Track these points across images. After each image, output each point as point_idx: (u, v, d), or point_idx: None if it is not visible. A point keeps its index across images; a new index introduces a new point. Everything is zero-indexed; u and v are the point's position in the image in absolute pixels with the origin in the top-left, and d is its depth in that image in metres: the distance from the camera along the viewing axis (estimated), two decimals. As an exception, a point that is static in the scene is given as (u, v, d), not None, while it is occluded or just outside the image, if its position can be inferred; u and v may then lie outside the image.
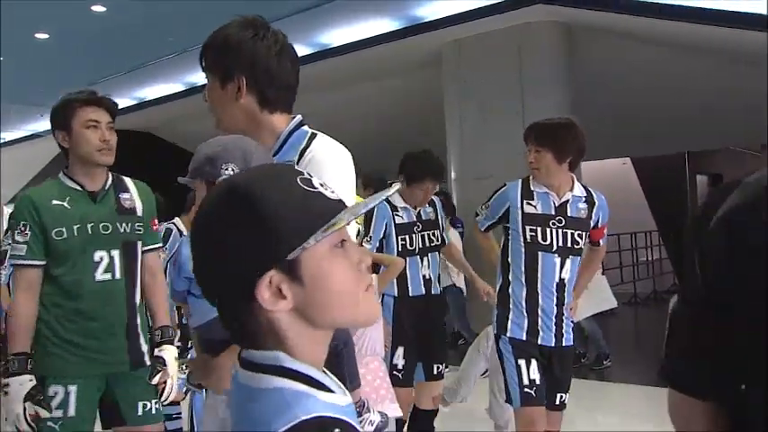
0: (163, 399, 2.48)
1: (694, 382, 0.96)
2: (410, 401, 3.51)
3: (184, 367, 2.44)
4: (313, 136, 1.55)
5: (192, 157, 1.51)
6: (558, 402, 3.00)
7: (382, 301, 3.45)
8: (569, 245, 2.92)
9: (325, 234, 0.78)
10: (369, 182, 4.33)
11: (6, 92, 9.03)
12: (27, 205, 2.36)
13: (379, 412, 2.33)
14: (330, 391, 0.80)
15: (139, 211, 2.53)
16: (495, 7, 6.91)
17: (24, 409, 2.21)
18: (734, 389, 0.90)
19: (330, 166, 1.48)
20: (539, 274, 2.91)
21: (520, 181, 3.00)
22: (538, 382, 2.89)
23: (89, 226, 2.38)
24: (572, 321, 3.04)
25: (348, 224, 0.82)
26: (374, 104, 9.56)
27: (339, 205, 0.82)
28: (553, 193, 2.94)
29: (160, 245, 2.75)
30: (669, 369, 1.01)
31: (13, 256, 2.36)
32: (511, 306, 2.97)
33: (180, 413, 3.69)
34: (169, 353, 2.51)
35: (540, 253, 2.91)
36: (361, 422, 2.09)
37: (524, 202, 2.95)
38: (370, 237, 3.43)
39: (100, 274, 2.40)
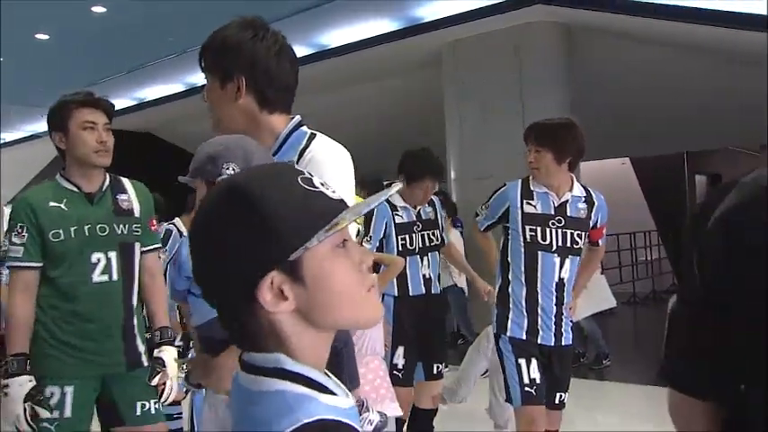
0: (162, 400, 2.48)
1: (694, 382, 0.96)
2: (410, 401, 3.51)
3: (185, 367, 2.44)
4: (312, 136, 1.55)
5: (192, 157, 1.51)
6: (557, 402, 3.01)
7: (382, 301, 3.45)
8: (569, 245, 2.93)
9: (328, 234, 0.77)
10: (364, 183, 4.33)
11: (6, 92, 9.03)
12: (24, 207, 2.36)
13: (378, 412, 2.33)
14: (332, 393, 0.79)
15: (137, 212, 2.53)
16: (495, 8, 6.91)
17: (25, 410, 2.21)
18: (733, 389, 0.90)
19: (330, 167, 1.48)
20: (538, 274, 2.92)
21: (520, 181, 3.01)
22: (538, 381, 2.89)
23: (86, 228, 2.38)
24: (571, 321, 3.04)
25: (350, 224, 0.82)
26: (374, 105, 9.56)
27: (341, 205, 0.81)
28: (553, 193, 2.95)
29: (159, 245, 2.75)
30: (669, 369, 1.01)
31: (10, 258, 2.36)
32: (511, 305, 2.97)
33: (181, 413, 3.68)
34: (168, 354, 2.51)
35: (539, 253, 2.91)
36: (360, 422, 2.10)
37: (524, 201, 2.95)
38: (370, 236, 3.43)
39: (97, 276, 2.40)
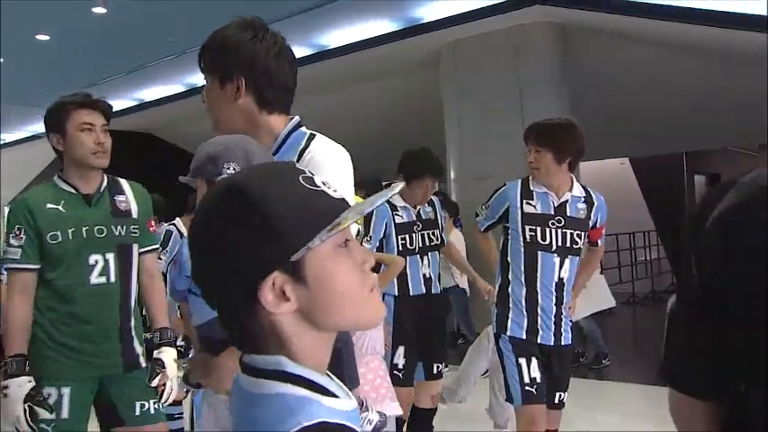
0: (162, 401, 2.48)
1: (693, 382, 0.96)
2: (410, 400, 3.51)
3: (184, 367, 2.44)
4: (312, 137, 1.56)
5: (192, 157, 1.51)
6: (557, 401, 3.01)
7: (382, 301, 3.45)
8: (568, 245, 2.93)
9: (330, 234, 0.76)
10: (364, 183, 4.33)
11: (6, 93, 9.02)
12: (22, 209, 2.36)
13: (377, 412, 2.34)
14: (334, 395, 0.78)
15: (135, 213, 2.52)
16: (494, 8, 6.92)
17: (25, 411, 2.21)
18: (733, 389, 0.90)
19: (329, 167, 1.48)
20: (538, 274, 2.92)
21: (519, 181, 3.01)
22: (538, 380, 2.90)
23: (84, 229, 2.38)
24: (571, 321, 3.05)
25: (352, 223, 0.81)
26: (374, 105, 9.56)
27: (342, 204, 0.80)
28: (552, 194, 2.95)
29: (158, 246, 2.74)
30: (668, 369, 1.01)
31: (8, 260, 2.36)
32: (510, 305, 2.98)
33: (182, 413, 3.68)
34: (168, 355, 2.50)
35: (539, 252, 2.92)
36: (359, 421, 2.10)
37: (524, 201, 2.96)
38: (370, 236, 3.43)
39: (94, 278, 2.39)
